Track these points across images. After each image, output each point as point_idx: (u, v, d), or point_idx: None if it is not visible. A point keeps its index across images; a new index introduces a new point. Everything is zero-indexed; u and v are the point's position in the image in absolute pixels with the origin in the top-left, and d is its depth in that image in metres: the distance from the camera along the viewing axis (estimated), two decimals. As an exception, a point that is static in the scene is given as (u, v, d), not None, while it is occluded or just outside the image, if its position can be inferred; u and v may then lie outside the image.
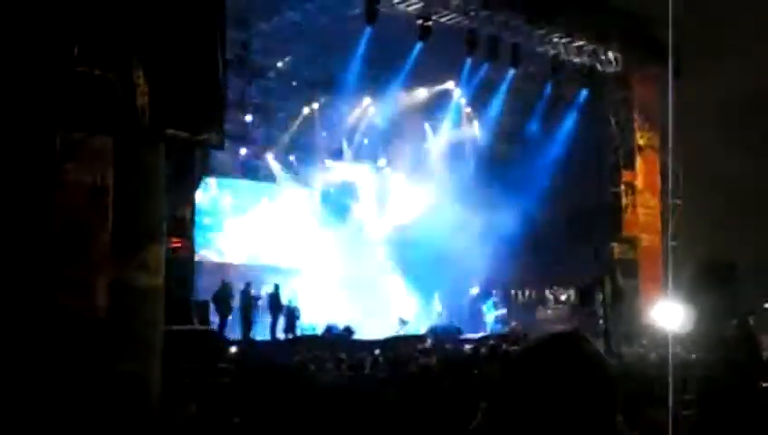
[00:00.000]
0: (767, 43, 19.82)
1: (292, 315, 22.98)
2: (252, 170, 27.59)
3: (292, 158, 28.17)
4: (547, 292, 27.68)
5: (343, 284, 26.93)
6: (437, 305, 27.50)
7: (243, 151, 26.25)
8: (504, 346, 15.04)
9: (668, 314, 8.30)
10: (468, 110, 28.27)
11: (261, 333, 22.38)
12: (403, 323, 25.38)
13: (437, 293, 27.45)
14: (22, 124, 4.33)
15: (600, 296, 19.55)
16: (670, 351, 4.19)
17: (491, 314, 27.23)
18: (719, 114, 21.45)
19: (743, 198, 21.77)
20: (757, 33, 20.07)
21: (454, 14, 22.58)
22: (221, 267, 24.79)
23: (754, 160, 21.54)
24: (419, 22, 22.17)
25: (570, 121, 27.03)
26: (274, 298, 22.88)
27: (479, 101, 27.57)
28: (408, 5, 22.09)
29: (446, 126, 28.77)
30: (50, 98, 4.39)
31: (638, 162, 26.92)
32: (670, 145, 20.36)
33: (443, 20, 22.57)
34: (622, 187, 26.91)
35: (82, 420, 4.20)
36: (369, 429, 5.53)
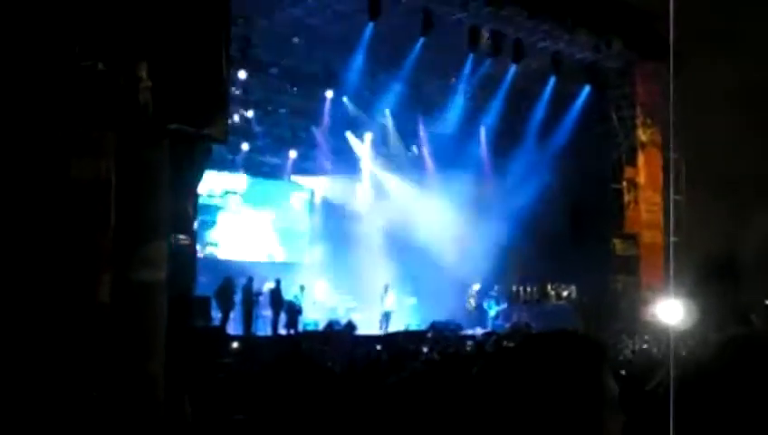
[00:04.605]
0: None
1: (293, 311, 22.98)
2: (253, 166, 27.59)
3: (293, 153, 28.16)
4: (549, 288, 27.68)
5: (342, 279, 26.92)
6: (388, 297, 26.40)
7: (244, 147, 26.25)
8: (504, 343, 15.01)
9: (670, 311, 8.32)
10: (470, 105, 28.19)
11: (262, 328, 22.45)
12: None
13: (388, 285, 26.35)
14: (26, 119, 4.34)
15: None
16: (672, 346, 4.19)
17: (492, 311, 27.21)
18: (724, 109, 21.33)
19: (747, 193, 21.65)
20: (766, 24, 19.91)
21: (456, 10, 22.55)
22: (223, 263, 24.81)
23: (760, 154, 21.42)
24: (422, 17, 22.15)
25: (572, 117, 27.00)
26: (276, 294, 22.89)
27: (481, 96, 27.55)
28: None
29: (447, 121, 28.71)
30: (54, 93, 4.40)
31: (640, 158, 26.88)
32: (671, 141, 20.34)
33: (445, 15, 22.55)
34: (624, 183, 26.88)
35: (85, 417, 4.21)
36: (371, 424, 5.53)
